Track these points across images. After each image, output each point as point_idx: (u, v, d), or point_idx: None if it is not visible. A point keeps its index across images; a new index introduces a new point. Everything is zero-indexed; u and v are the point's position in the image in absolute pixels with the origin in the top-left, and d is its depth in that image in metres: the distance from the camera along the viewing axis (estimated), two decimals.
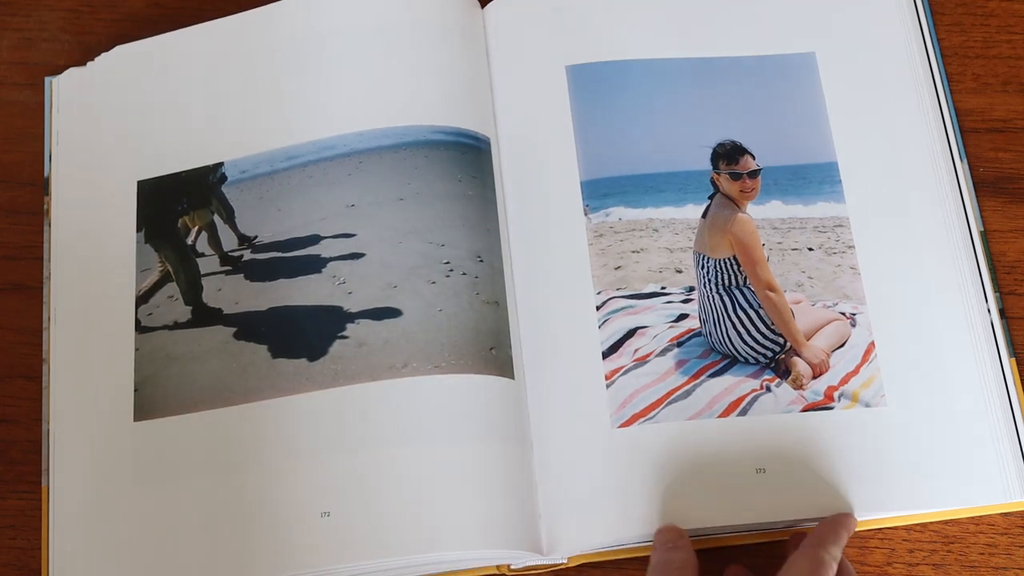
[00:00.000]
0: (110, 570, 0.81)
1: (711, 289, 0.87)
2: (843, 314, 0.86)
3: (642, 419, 0.82)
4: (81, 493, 0.84)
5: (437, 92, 0.89)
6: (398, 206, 0.87)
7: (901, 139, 0.89)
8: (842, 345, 0.85)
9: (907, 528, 0.83)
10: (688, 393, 0.83)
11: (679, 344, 0.85)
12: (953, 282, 0.85)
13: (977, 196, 0.90)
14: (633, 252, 0.87)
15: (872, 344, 0.84)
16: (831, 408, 0.83)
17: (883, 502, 0.80)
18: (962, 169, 0.89)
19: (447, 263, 0.85)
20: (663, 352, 0.85)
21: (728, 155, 0.89)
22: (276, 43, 0.92)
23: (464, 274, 0.85)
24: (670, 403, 0.83)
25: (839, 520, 0.79)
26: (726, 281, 0.87)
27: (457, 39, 0.91)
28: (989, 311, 0.86)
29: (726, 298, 0.87)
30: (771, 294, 0.86)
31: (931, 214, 0.87)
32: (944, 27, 0.95)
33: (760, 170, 0.89)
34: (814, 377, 0.84)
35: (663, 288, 0.87)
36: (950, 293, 0.85)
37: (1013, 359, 0.85)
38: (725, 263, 0.87)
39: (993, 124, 0.92)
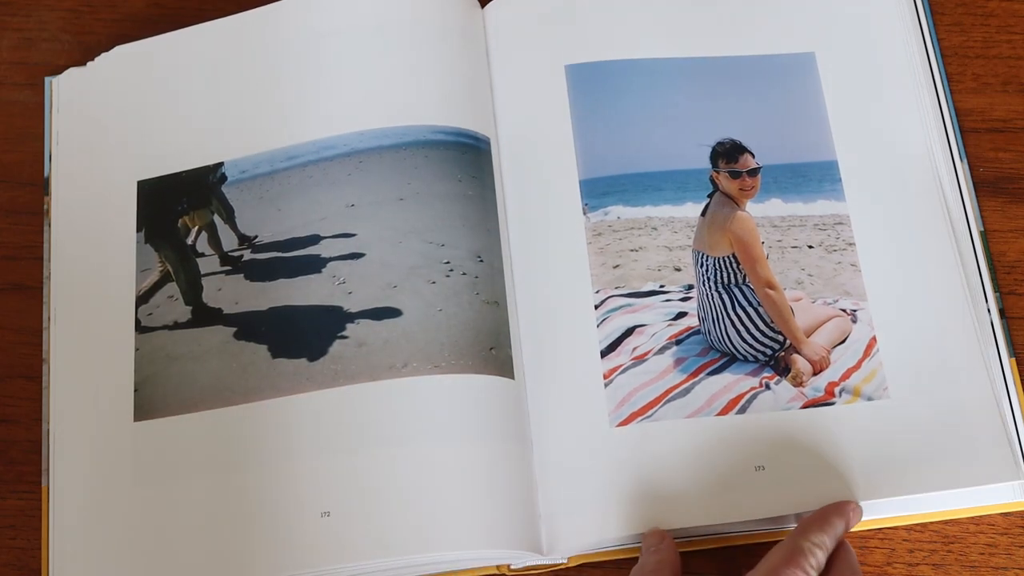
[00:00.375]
0: (110, 570, 0.81)
1: (710, 287, 0.87)
2: (844, 311, 0.85)
3: (641, 417, 0.82)
4: (81, 493, 0.83)
5: (437, 92, 0.89)
6: (398, 206, 0.87)
7: (901, 139, 0.89)
8: (843, 341, 0.85)
9: (907, 528, 0.83)
10: (687, 391, 0.83)
11: (678, 342, 0.85)
12: (953, 282, 0.85)
13: (977, 196, 0.90)
14: (632, 251, 0.87)
15: (874, 339, 0.84)
16: (832, 404, 0.83)
17: (883, 496, 0.80)
18: (962, 169, 0.89)
19: (447, 263, 0.85)
20: (662, 350, 0.85)
21: (728, 153, 0.89)
22: (276, 43, 0.92)
23: (464, 274, 0.85)
24: (668, 401, 0.83)
25: (832, 507, 0.78)
26: (725, 279, 0.87)
27: (457, 39, 0.91)
28: (989, 311, 0.86)
29: (725, 296, 0.86)
30: (770, 292, 0.86)
31: (931, 214, 0.87)
32: (944, 27, 0.95)
33: (760, 168, 0.89)
34: (814, 374, 0.84)
35: (662, 286, 0.87)
36: (950, 292, 0.85)
37: (1013, 359, 0.85)
38: (724, 261, 0.87)
39: (993, 124, 0.92)
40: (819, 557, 0.75)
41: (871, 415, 0.82)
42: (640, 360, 0.84)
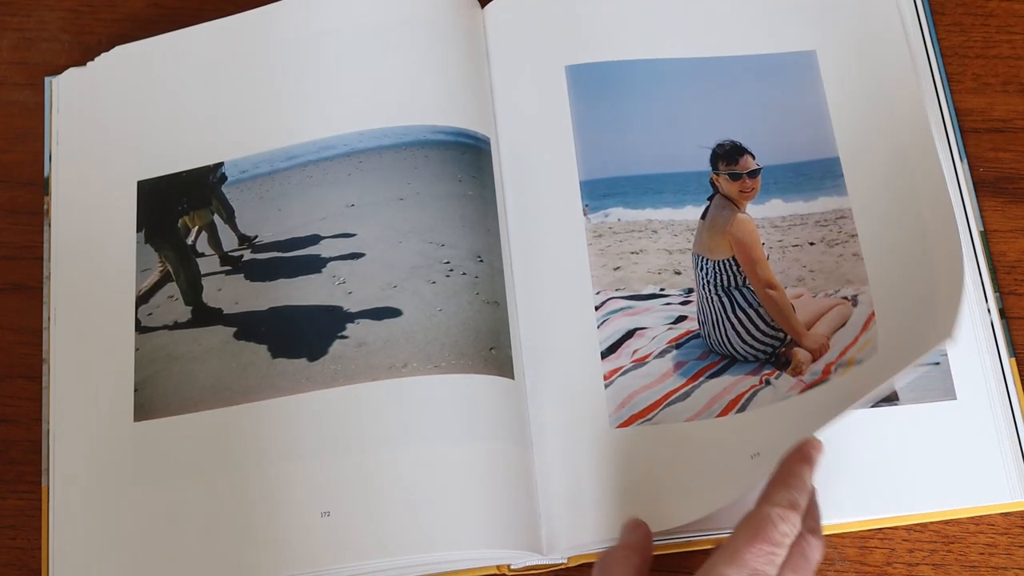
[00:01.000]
0: (110, 570, 0.81)
1: (710, 291, 0.87)
2: (844, 298, 0.85)
3: (641, 420, 0.82)
4: (81, 493, 0.83)
5: (437, 92, 0.89)
6: (398, 206, 0.87)
7: (901, 139, 0.89)
8: (843, 325, 0.84)
9: (907, 528, 0.83)
10: (687, 395, 0.83)
11: (678, 346, 0.85)
12: (954, 278, 0.85)
13: (977, 196, 0.90)
14: (632, 253, 0.87)
15: (872, 315, 0.84)
16: (827, 381, 0.82)
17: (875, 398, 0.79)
18: (962, 169, 0.89)
19: (447, 263, 0.85)
20: (662, 354, 0.85)
21: (727, 155, 0.89)
22: (276, 43, 0.92)
23: (464, 274, 0.85)
24: (669, 404, 0.83)
25: (792, 455, 0.73)
26: (725, 283, 0.87)
27: (457, 39, 0.91)
28: (989, 311, 0.86)
29: (725, 300, 0.86)
30: (771, 292, 0.86)
31: (932, 210, 0.86)
32: (944, 27, 0.95)
33: (760, 170, 0.89)
34: (814, 360, 0.84)
35: (662, 289, 0.87)
36: (952, 287, 0.84)
37: (1013, 359, 0.85)
38: (724, 264, 0.87)
39: (993, 124, 0.92)
40: (792, 520, 0.69)
41: (862, 372, 0.81)
42: (641, 363, 0.84)
